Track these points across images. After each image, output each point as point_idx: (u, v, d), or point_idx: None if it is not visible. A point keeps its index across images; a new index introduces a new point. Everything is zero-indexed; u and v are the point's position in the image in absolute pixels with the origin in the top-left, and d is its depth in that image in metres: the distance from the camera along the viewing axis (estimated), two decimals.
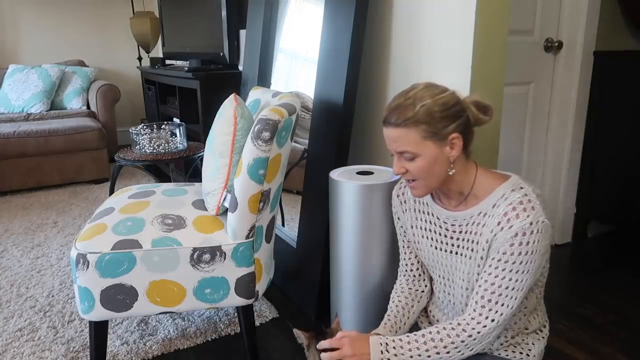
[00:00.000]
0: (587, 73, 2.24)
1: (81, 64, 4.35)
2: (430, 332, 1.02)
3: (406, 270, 1.27)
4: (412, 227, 1.21)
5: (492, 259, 1.00)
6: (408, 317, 1.23)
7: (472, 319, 1.01)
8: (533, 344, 1.13)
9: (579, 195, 2.41)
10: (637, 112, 2.20)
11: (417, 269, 1.26)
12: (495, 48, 1.44)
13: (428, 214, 1.16)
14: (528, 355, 1.12)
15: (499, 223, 0.99)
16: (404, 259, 1.28)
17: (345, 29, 1.65)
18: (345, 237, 1.46)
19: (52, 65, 4.07)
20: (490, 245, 1.01)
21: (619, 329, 1.71)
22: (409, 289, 1.26)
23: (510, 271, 0.98)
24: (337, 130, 1.66)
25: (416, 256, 1.25)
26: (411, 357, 1.01)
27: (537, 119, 2.25)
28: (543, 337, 1.15)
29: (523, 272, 0.98)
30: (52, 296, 1.99)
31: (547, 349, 1.19)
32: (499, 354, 1.11)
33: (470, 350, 1.01)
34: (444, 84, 1.08)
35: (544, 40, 2.15)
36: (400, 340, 1.03)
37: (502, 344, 1.11)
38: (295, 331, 1.12)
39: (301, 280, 1.86)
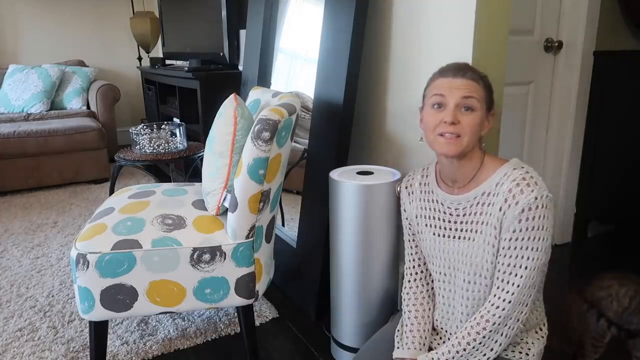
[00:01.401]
0: (587, 73, 2.24)
1: (81, 64, 4.35)
2: (463, 337, 1.05)
3: (413, 266, 1.27)
4: (416, 216, 1.22)
5: (504, 239, 1.02)
6: (428, 323, 1.22)
7: (492, 304, 1.04)
8: (533, 344, 1.13)
9: (579, 195, 2.41)
10: (637, 112, 2.20)
11: (425, 263, 1.26)
12: (495, 48, 1.44)
13: (433, 201, 1.17)
14: (527, 354, 1.12)
15: (505, 200, 1.01)
16: (412, 254, 1.27)
17: (345, 29, 1.65)
18: (345, 237, 1.46)
19: (52, 65, 4.07)
20: (502, 224, 1.02)
21: None
22: (421, 292, 1.25)
23: (521, 249, 1.01)
24: (337, 130, 1.66)
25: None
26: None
27: (537, 119, 2.25)
28: (542, 337, 1.16)
29: (533, 250, 1.00)
30: (52, 296, 1.99)
31: (547, 349, 1.19)
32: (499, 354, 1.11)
33: (502, 335, 1.04)
34: None
35: (544, 40, 2.15)
36: (443, 354, 1.07)
37: None
38: None
39: (301, 280, 1.86)
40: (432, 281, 1.25)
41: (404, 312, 1.25)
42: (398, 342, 1.21)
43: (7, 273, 2.21)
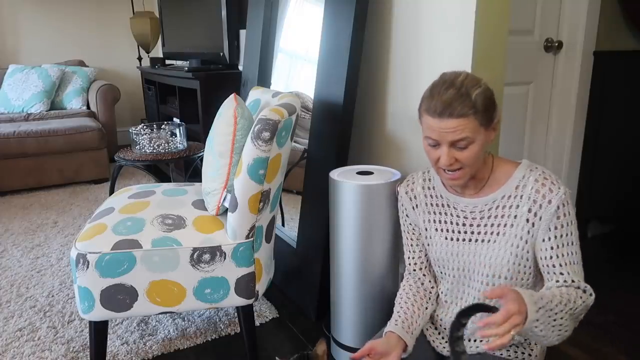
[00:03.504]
0: (587, 73, 2.24)
1: (81, 64, 4.35)
2: (561, 295, 0.98)
3: (414, 270, 1.25)
4: (423, 221, 1.20)
5: (547, 239, 1.02)
6: (420, 316, 1.18)
7: (584, 292, 1.02)
8: (535, 344, 1.13)
9: (579, 195, 2.41)
10: (637, 112, 2.20)
11: (426, 267, 1.24)
12: (495, 48, 1.44)
13: (442, 206, 1.16)
14: (530, 355, 1.12)
15: (535, 201, 1.02)
16: (412, 257, 1.26)
17: (345, 29, 1.65)
18: (345, 237, 1.46)
19: (52, 65, 4.07)
20: (535, 226, 1.03)
21: (619, 329, 1.71)
22: (417, 287, 1.23)
23: (569, 244, 1.02)
24: (337, 130, 1.66)
25: (425, 253, 1.24)
26: (551, 309, 0.96)
27: (537, 119, 2.24)
28: None
29: (574, 244, 1.03)
30: (52, 296, 1.99)
31: (548, 349, 1.19)
32: (501, 354, 1.11)
33: (575, 321, 1.03)
34: None
35: (544, 40, 2.15)
36: (545, 295, 0.99)
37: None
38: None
39: (301, 280, 1.86)
40: (431, 282, 1.23)
41: (396, 303, 1.22)
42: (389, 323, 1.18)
43: (7, 273, 2.21)
